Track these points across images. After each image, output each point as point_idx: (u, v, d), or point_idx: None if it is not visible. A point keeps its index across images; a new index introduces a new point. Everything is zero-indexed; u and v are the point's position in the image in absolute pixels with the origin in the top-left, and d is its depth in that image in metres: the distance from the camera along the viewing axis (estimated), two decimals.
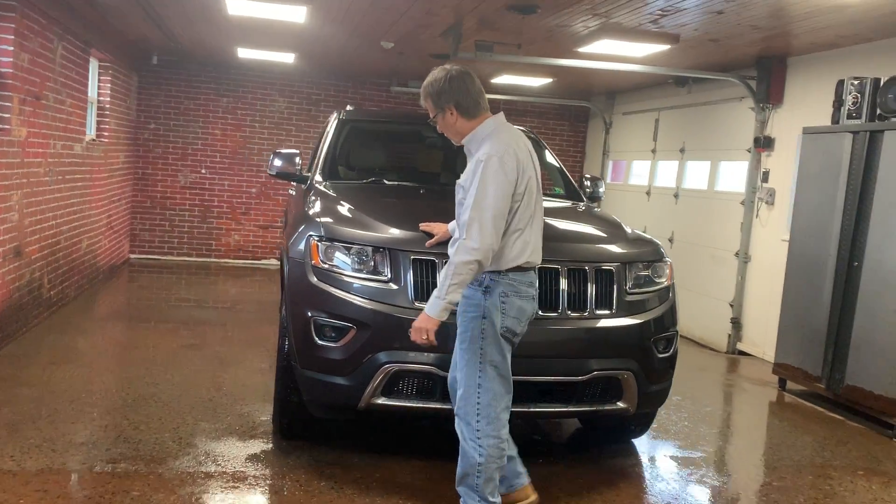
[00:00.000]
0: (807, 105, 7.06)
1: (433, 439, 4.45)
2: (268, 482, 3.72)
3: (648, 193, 9.80)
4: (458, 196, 3.16)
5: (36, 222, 6.27)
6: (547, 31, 6.74)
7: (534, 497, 3.42)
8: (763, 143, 7.49)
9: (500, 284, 3.13)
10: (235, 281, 9.78)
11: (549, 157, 5.72)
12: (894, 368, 5.11)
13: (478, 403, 3.14)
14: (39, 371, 5.20)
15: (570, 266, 3.76)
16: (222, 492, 3.57)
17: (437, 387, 3.62)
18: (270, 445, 4.16)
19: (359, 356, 3.62)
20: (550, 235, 3.57)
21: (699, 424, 5.22)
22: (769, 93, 7.38)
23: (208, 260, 10.95)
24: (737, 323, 7.72)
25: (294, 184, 6.87)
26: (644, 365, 3.88)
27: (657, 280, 4.07)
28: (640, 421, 4.37)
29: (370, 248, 3.74)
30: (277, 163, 5.19)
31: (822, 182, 5.90)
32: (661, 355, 3.98)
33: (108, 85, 8.73)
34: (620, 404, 3.89)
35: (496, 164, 3.02)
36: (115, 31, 8.30)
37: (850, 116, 5.76)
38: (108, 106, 8.73)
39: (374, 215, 3.98)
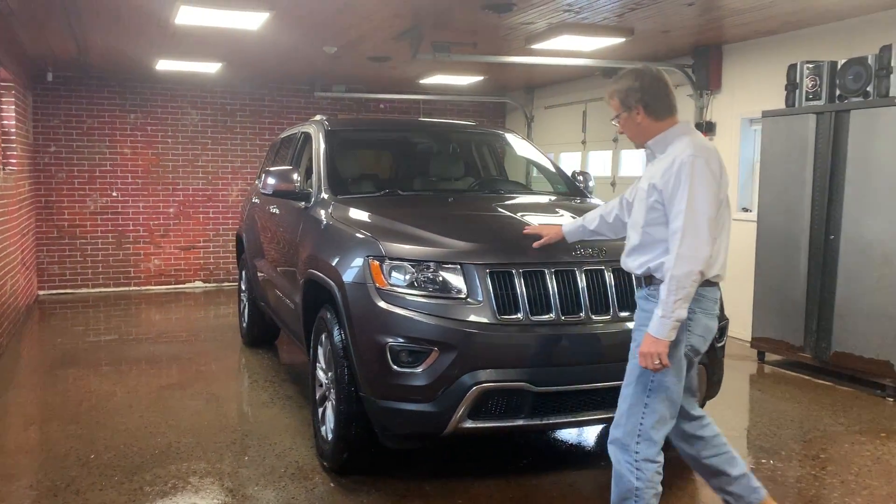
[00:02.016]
0: (746, 90, 7.41)
1: (481, 454, 4.30)
2: None
3: None
4: (651, 199, 2.90)
5: None
6: (507, 29, 6.68)
7: None
8: (705, 128, 7.81)
9: None
10: (166, 309, 9.10)
11: (540, 156, 5.68)
12: (882, 332, 5.46)
13: (641, 424, 2.93)
14: (21, 434, 4.60)
15: (616, 265, 3.65)
16: None
17: (525, 403, 3.48)
18: (331, 485, 3.87)
19: (444, 379, 3.41)
20: None
21: (709, 404, 5.34)
22: (709, 80, 7.69)
23: (128, 289, 10.14)
24: None
25: (256, 200, 6.49)
26: (710, 356, 3.89)
27: None
28: None
29: (436, 264, 3.56)
30: (272, 181, 4.84)
31: (787, 162, 6.20)
32: (719, 345, 4.03)
33: (12, 107, 7.85)
34: None
35: (703, 166, 2.81)
36: (18, 44, 7.48)
37: (808, 98, 6.08)
38: (13, 130, 7.86)
39: (430, 229, 3.77)
